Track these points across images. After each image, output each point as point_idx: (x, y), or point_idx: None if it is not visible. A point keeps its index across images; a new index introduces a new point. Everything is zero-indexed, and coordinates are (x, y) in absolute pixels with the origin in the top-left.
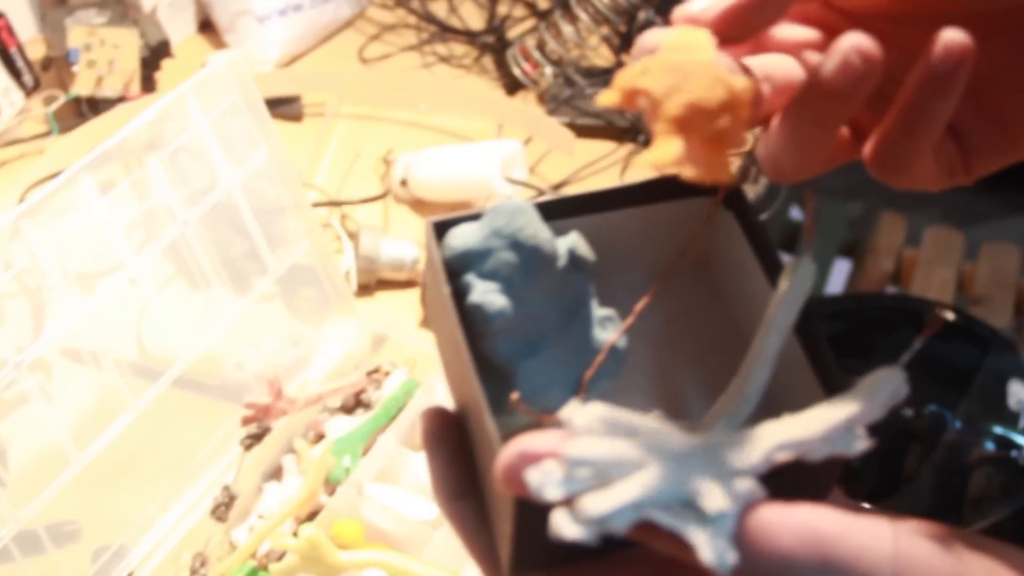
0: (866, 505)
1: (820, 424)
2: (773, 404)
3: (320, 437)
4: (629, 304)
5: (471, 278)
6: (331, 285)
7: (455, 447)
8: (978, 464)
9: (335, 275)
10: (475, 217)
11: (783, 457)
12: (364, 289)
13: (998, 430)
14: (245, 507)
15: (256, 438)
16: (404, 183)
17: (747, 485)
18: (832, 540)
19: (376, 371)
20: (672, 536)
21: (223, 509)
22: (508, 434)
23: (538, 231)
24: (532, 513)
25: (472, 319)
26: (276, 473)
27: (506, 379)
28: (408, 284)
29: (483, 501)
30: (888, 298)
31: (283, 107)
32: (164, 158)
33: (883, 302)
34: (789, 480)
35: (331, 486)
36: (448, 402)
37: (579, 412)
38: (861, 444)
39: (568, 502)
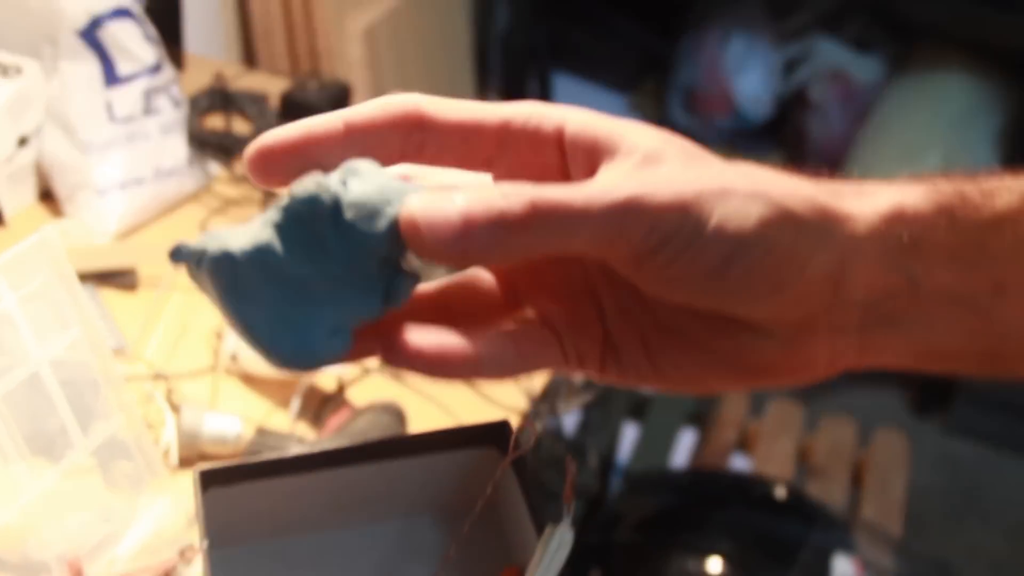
0: None
1: None
2: None
3: None
4: (422, 547)
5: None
6: (144, 460)
7: None
8: None
9: (148, 450)
10: None
11: None
12: (187, 463)
13: None
14: None
15: None
16: (235, 357)
17: None
18: None
19: (189, 548)
20: None
21: None
22: None
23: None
24: None
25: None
26: None
27: None
28: (232, 459)
29: None
30: (724, 475)
31: (118, 278)
32: None
33: (719, 478)
34: None
35: None
36: None
37: None
38: None
39: None
